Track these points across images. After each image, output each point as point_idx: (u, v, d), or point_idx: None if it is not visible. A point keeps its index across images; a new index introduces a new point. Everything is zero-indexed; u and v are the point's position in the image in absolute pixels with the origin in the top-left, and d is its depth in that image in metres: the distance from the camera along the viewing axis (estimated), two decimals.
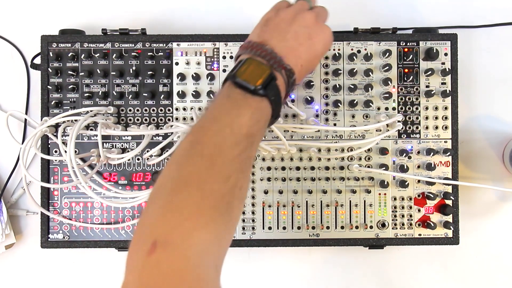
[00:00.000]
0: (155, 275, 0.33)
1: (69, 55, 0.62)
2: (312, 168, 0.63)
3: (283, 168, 0.63)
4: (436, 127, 0.63)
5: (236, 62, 0.48)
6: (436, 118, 0.63)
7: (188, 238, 0.35)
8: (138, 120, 0.63)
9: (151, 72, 0.62)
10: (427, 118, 0.63)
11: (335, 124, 0.63)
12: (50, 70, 0.62)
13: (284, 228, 0.63)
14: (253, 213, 0.63)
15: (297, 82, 0.49)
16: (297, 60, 0.47)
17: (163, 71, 0.62)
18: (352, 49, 0.63)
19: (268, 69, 0.44)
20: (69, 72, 0.62)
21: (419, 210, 0.63)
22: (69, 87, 0.62)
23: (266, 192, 0.62)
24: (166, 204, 0.37)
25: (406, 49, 0.63)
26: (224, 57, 0.63)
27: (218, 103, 0.44)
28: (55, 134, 0.62)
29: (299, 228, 0.63)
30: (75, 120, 0.61)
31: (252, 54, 0.46)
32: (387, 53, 0.62)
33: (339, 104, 0.62)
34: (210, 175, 0.38)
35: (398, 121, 0.62)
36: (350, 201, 0.63)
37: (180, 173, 0.39)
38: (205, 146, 0.40)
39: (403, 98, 0.63)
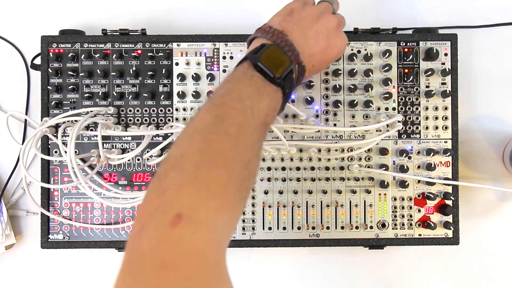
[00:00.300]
0: (176, 251, 0.31)
1: (69, 55, 0.62)
2: (312, 169, 0.63)
3: (283, 169, 0.63)
4: (436, 127, 0.63)
5: (251, 43, 0.47)
6: (436, 118, 0.63)
7: (213, 218, 0.33)
8: (138, 120, 0.63)
9: (151, 73, 0.62)
10: (427, 118, 0.63)
11: (335, 125, 0.63)
12: (50, 71, 0.62)
13: (284, 228, 0.63)
14: (253, 213, 0.63)
15: (303, 82, 0.49)
16: (311, 60, 0.47)
17: (163, 72, 0.62)
18: (352, 49, 0.63)
19: (289, 61, 0.44)
20: (69, 72, 0.62)
21: (419, 210, 0.63)
22: (69, 87, 0.62)
23: (266, 193, 0.62)
24: (192, 177, 0.35)
25: (406, 49, 0.63)
26: (224, 58, 0.63)
27: (240, 81, 0.42)
28: (55, 134, 0.62)
29: (299, 228, 0.63)
30: (75, 121, 0.60)
31: (273, 41, 0.45)
32: (387, 53, 0.62)
33: (339, 104, 0.62)
34: (235, 157, 0.37)
35: (398, 121, 0.62)
36: (350, 201, 0.63)
37: (208, 148, 0.37)
38: (230, 125, 0.38)
39: (403, 98, 0.63)
